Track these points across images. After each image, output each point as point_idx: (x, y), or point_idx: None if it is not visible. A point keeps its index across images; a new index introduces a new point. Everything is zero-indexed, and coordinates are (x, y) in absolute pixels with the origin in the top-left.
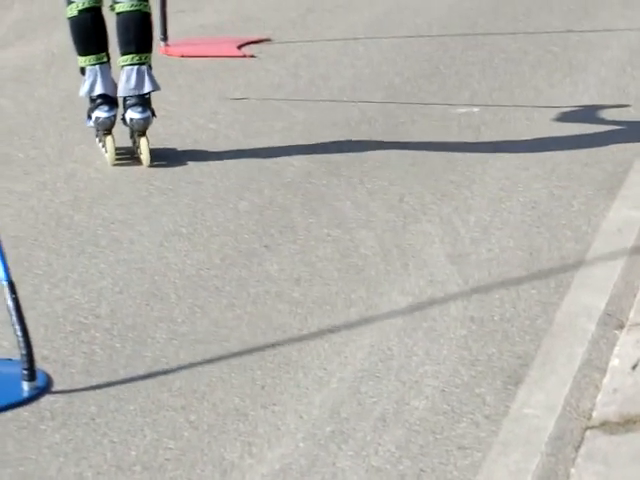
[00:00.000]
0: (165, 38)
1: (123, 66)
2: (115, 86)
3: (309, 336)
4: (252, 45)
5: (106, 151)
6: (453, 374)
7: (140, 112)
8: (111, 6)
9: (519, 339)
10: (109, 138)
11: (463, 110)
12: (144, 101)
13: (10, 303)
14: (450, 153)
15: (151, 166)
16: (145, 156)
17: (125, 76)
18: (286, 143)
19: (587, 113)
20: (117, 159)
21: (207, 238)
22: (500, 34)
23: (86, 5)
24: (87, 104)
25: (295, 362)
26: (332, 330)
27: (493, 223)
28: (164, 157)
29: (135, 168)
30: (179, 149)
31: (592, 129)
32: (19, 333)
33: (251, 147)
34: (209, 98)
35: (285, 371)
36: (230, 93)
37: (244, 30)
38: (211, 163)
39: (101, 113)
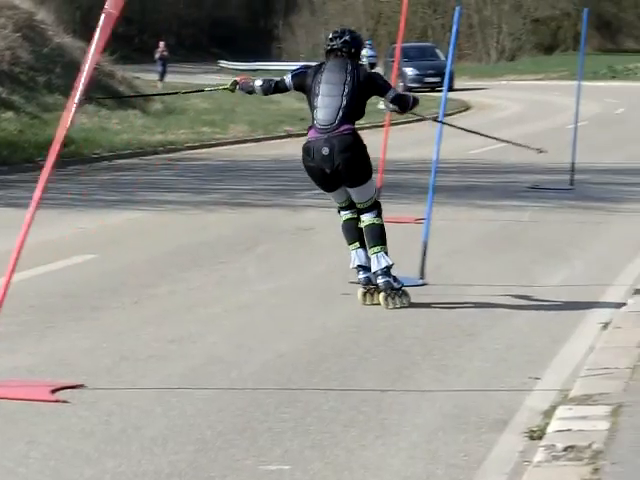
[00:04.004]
0: None
1: (372, 254)
2: (369, 258)
3: None
4: (65, 390)
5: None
6: None
7: (381, 277)
8: (358, 219)
9: None
10: (361, 289)
11: (273, 467)
12: (384, 272)
13: None
14: None
15: None
16: (381, 300)
17: (375, 260)
18: None
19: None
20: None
21: None
22: (314, 392)
23: (348, 217)
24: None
25: None
26: None
27: None
28: None
29: None
30: None
31: None
32: None
33: None
34: (19, 442)
35: None
36: (41, 438)
37: (58, 374)
38: None
39: (359, 276)
